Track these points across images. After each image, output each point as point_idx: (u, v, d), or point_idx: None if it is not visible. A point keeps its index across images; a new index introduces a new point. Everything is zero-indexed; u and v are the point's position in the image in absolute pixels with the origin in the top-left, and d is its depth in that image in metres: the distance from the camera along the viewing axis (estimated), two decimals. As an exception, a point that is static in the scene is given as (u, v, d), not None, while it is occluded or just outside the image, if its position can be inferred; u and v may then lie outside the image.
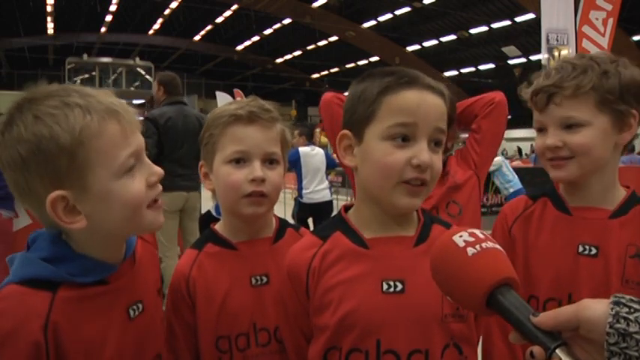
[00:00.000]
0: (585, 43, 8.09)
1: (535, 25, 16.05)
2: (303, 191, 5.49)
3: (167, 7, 25.61)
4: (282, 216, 1.24)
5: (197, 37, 31.73)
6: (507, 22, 23.53)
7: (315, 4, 25.03)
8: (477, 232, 0.74)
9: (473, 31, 25.55)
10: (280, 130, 1.14)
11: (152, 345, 0.97)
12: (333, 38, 29.46)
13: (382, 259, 0.96)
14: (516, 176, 7.46)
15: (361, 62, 32.15)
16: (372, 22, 27.10)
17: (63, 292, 0.82)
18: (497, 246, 0.74)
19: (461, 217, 1.85)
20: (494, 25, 24.29)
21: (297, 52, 32.88)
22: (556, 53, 8.32)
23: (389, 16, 25.63)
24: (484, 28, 24.92)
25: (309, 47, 31.27)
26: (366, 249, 0.97)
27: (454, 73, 30.73)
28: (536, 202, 1.24)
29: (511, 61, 27.04)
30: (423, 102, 0.92)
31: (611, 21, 8.22)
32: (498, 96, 1.95)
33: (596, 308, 0.63)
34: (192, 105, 4.19)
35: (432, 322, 0.93)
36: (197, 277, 1.11)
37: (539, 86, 1.14)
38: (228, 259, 1.13)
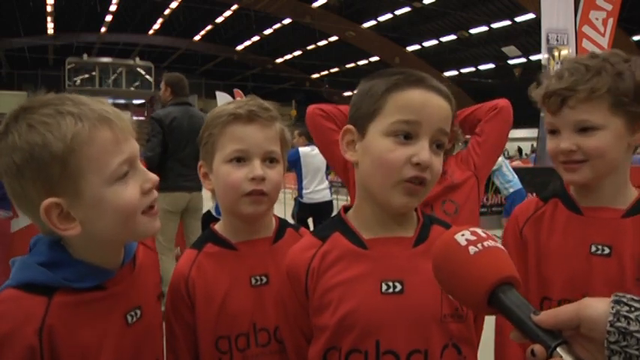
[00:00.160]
0: (585, 43, 8.10)
1: (535, 25, 16.07)
2: (304, 191, 5.49)
3: (167, 7, 25.64)
4: (282, 216, 1.24)
5: (197, 37, 31.76)
6: (507, 22, 23.56)
7: (315, 4, 25.06)
8: (478, 230, 0.74)
9: (473, 31, 25.58)
10: (280, 129, 1.14)
11: (150, 351, 0.97)
12: (333, 38, 29.49)
13: (381, 260, 0.96)
14: (516, 176, 7.44)
15: (361, 62, 32.19)
16: (372, 22, 27.13)
17: (59, 297, 0.83)
18: (499, 244, 0.74)
19: (457, 216, 1.85)
20: (494, 25, 24.31)
21: (297, 52, 32.91)
22: (556, 53, 8.33)
23: (389, 16, 25.66)
24: (484, 28, 24.95)
25: (309, 47, 31.30)
26: (365, 249, 0.97)
27: (454, 73, 30.76)
28: (547, 203, 1.23)
29: (511, 61, 27.07)
30: (429, 102, 0.93)
31: (611, 21, 8.23)
32: (503, 102, 1.96)
33: (596, 307, 0.63)
34: (192, 105, 4.23)
35: (431, 323, 0.93)
36: (196, 277, 1.11)
37: (551, 89, 1.11)
38: (227, 259, 1.12)
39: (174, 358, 1.10)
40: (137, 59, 32.54)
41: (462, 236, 0.73)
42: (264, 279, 1.11)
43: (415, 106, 0.92)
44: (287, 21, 27.74)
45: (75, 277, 0.85)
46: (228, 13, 26.76)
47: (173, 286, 1.12)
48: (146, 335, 0.96)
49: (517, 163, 14.40)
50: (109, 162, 0.83)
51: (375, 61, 30.92)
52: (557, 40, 8.26)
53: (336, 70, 34.28)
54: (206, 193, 1.46)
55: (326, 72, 35.34)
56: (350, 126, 0.99)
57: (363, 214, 1.01)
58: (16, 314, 0.80)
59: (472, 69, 30.66)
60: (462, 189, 1.91)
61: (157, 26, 29.73)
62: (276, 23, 28.37)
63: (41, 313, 0.81)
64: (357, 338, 0.92)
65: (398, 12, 24.84)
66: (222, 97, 12.02)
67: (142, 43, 32.35)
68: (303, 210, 5.57)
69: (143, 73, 32.53)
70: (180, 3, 24.62)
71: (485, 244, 0.72)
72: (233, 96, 12.04)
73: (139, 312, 0.94)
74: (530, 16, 20.88)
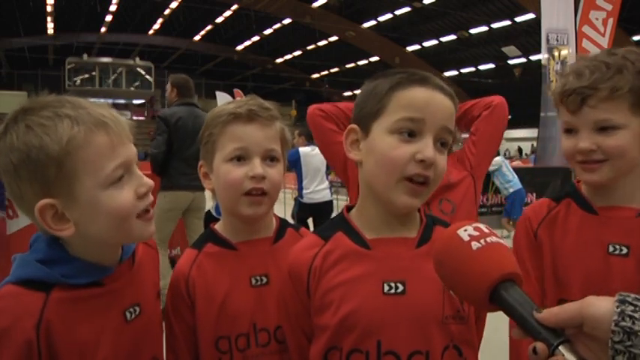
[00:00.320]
0: (585, 43, 8.10)
1: (535, 25, 16.08)
2: (304, 191, 5.49)
3: (167, 7, 25.64)
4: (282, 216, 1.24)
5: (197, 37, 31.76)
6: (507, 22, 23.56)
7: (315, 4, 25.06)
8: (481, 226, 0.74)
9: (473, 31, 25.58)
10: (280, 128, 1.14)
11: (149, 348, 0.98)
12: (333, 38, 29.49)
13: (384, 260, 0.96)
14: (516, 176, 7.44)
15: (361, 62, 32.19)
16: (372, 22, 27.13)
17: (56, 293, 0.85)
18: (502, 240, 0.73)
19: (454, 216, 1.85)
20: (494, 25, 24.31)
21: (297, 52, 32.91)
22: (556, 53, 8.33)
23: (389, 16, 25.66)
24: (484, 28, 24.95)
25: (309, 47, 31.31)
26: (368, 250, 0.97)
27: (454, 73, 30.76)
28: (560, 203, 1.21)
29: (511, 61, 27.08)
30: (432, 100, 0.93)
31: (611, 21, 8.23)
32: (497, 99, 1.94)
33: (600, 306, 0.62)
34: (198, 106, 4.33)
35: (433, 324, 0.93)
36: (197, 277, 1.10)
37: (571, 87, 1.08)
38: (228, 259, 1.12)
39: (174, 358, 1.10)
40: (137, 59, 32.55)
41: (465, 231, 0.73)
42: (265, 279, 1.11)
43: (419, 104, 0.92)
44: (287, 21, 27.74)
45: (72, 273, 0.87)
46: (228, 13, 26.75)
47: (173, 286, 1.12)
48: (145, 332, 0.97)
49: (517, 163, 14.42)
50: (104, 165, 0.85)
51: (375, 61, 30.93)
52: (557, 40, 8.26)
53: (336, 70, 34.29)
54: (208, 193, 1.46)
55: (326, 72, 35.35)
56: (354, 125, 0.99)
57: (366, 214, 1.01)
58: (15, 310, 0.81)
59: (472, 69, 30.67)
60: (459, 188, 1.91)
61: (157, 26, 29.73)
62: (276, 23, 28.36)
63: (39, 309, 0.82)
64: (358, 338, 0.92)
65: (398, 12, 24.84)
66: (222, 97, 12.01)
67: (142, 43, 32.35)
68: (303, 210, 5.57)
69: (143, 73, 32.55)
70: (180, 3, 24.62)
71: (489, 239, 0.72)
72: (233, 96, 12.04)
73: (138, 309, 0.95)
74: (530, 16, 20.88)
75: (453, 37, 26.77)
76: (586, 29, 8.10)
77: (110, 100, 29.30)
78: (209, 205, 4.23)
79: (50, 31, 27.64)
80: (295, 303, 1.00)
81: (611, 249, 1.10)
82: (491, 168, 6.60)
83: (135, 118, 29.51)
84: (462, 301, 0.93)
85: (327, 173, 5.85)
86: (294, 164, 5.47)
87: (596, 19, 8.13)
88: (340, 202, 7.67)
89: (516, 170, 7.12)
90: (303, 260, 0.99)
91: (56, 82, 28.89)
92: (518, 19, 22.83)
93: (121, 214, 0.86)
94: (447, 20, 25.47)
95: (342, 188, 9.89)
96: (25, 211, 0.87)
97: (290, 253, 1.02)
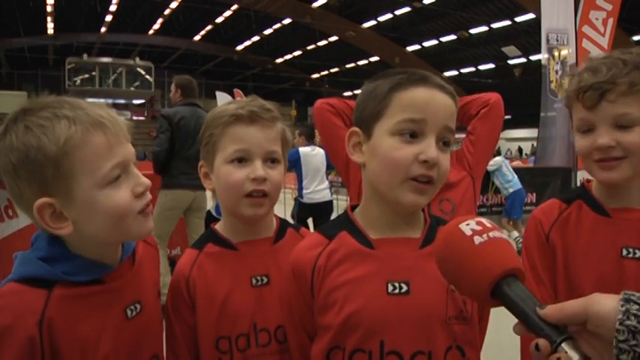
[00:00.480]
0: (585, 43, 8.09)
1: (535, 25, 16.07)
2: (304, 191, 5.49)
3: (167, 7, 25.63)
4: (282, 216, 1.24)
5: (197, 37, 31.76)
6: (507, 22, 23.56)
7: (315, 4, 25.05)
8: (484, 220, 0.74)
9: (473, 31, 25.58)
10: (281, 129, 1.14)
11: (149, 345, 0.99)
12: (333, 38, 29.49)
13: (388, 260, 0.95)
14: (516, 176, 7.43)
15: (361, 62, 32.20)
16: (372, 22, 27.13)
17: (58, 291, 0.86)
18: (504, 236, 0.73)
19: (453, 216, 1.84)
20: (494, 25, 24.31)
21: (297, 52, 32.91)
22: (556, 53, 8.32)
23: (389, 16, 25.66)
24: (484, 28, 24.95)
25: (309, 47, 31.30)
26: (372, 249, 0.97)
27: (454, 73, 30.76)
28: (571, 205, 1.19)
29: (511, 61, 27.08)
30: (433, 99, 0.93)
31: (611, 21, 8.22)
32: (494, 97, 1.92)
33: (605, 304, 0.62)
34: (200, 107, 4.40)
35: (436, 324, 0.92)
36: (197, 277, 1.10)
37: (588, 83, 1.06)
38: (228, 260, 1.12)
39: (174, 358, 1.10)
40: (137, 59, 32.55)
41: (467, 226, 0.72)
42: (265, 279, 1.11)
43: (420, 105, 0.92)
44: (287, 21, 27.74)
45: (73, 270, 0.88)
46: (228, 13, 26.75)
47: (173, 286, 1.12)
48: (146, 330, 0.98)
49: (517, 163, 14.40)
50: (101, 165, 0.86)
51: (375, 61, 30.93)
52: (557, 40, 8.25)
53: (336, 70, 34.29)
54: (209, 193, 1.46)
55: (326, 72, 35.35)
56: (356, 128, 0.99)
57: (370, 214, 1.01)
58: (18, 307, 0.82)
59: (472, 69, 30.67)
60: (458, 188, 1.91)
61: (157, 26, 29.73)
62: (276, 23, 28.36)
63: (41, 306, 0.84)
64: (361, 338, 0.92)
65: (398, 12, 24.84)
66: (222, 97, 12.00)
67: (142, 43, 32.35)
68: (303, 210, 5.56)
69: (143, 73, 32.55)
70: (180, 3, 24.62)
71: (491, 234, 0.71)
72: (233, 96, 12.03)
73: (138, 306, 0.96)
74: (530, 16, 20.88)
75: (453, 37, 26.77)
76: (586, 29, 8.09)
77: (110, 100, 29.35)
78: (209, 205, 4.23)
79: (50, 31, 27.64)
80: (299, 302, 1.00)
81: (624, 252, 1.08)
82: (491, 168, 6.59)
83: (135, 118, 29.52)
84: (464, 299, 0.93)
85: (327, 173, 5.85)
86: (294, 164, 5.46)
87: (596, 19, 8.12)
88: (340, 202, 7.67)
89: (516, 170, 7.11)
90: (307, 259, 0.99)
91: (56, 82, 28.90)
92: (518, 19, 22.83)
93: (118, 214, 0.87)
94: (447, 20, 25.47)
95: (342, 188, 9.89)
96: (24, 210, 0.89)
97: (293, 252, 1.02)
